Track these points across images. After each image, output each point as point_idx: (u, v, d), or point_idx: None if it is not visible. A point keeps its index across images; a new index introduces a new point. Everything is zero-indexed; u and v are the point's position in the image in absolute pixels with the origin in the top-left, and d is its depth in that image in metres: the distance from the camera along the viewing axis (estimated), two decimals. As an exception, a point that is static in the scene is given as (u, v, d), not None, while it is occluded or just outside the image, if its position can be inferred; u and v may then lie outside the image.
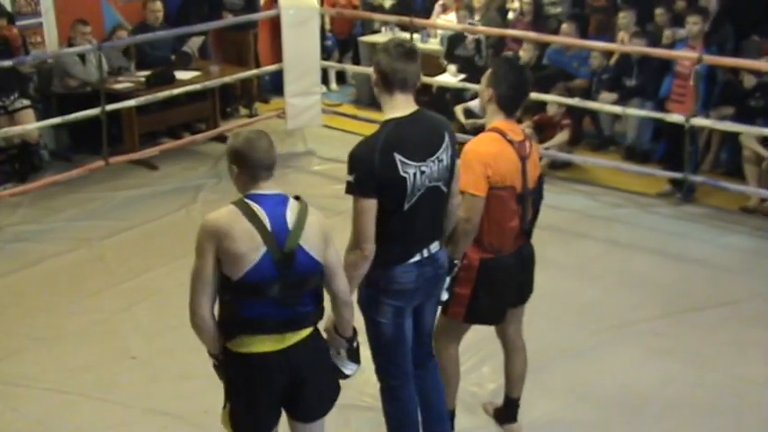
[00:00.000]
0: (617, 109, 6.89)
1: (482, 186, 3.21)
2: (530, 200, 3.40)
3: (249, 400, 2.80)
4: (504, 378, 3.83)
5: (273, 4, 7.79)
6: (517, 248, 3.44)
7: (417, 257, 3.08)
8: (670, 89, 6.51)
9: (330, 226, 2.83)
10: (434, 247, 3.13)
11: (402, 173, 2.93)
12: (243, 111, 8.58)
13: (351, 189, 2.94)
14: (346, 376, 2.99)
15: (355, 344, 2.99)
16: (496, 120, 3.33)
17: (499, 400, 3.92)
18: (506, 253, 3.40)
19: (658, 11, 7.36)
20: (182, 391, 4.12)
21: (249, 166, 2.70)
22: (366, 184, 2.91)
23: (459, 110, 7.56)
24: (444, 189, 3.08)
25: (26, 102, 6.67)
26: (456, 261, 3.30)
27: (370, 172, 2.90)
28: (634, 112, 6.82)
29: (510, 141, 3.28)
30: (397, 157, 2.91)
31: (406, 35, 7.74)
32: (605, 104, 7.03)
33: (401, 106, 3.01)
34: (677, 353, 4.50)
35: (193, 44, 7.82)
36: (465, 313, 3.45)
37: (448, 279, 3.30)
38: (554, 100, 6.98)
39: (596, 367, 4.37)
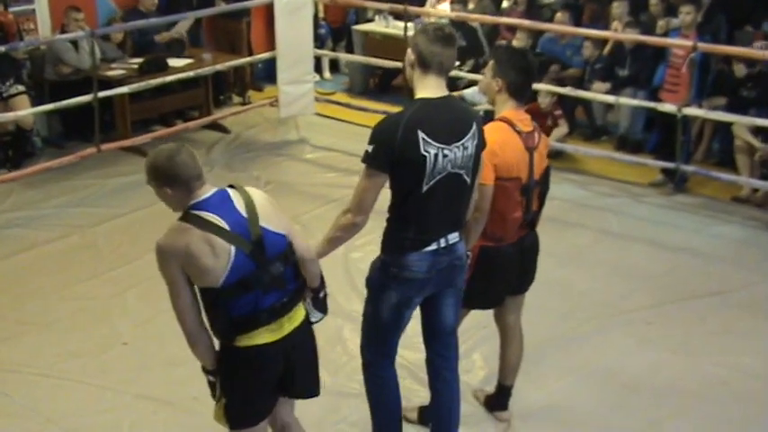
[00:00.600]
0: (610, 98, 6.90)
1: (489, 175, 3.20)
2: (535, 191, 3.40)
3: (247, 393, 2.78)
4: (497, 365, 3.84)
5: (267, -8, 7.75)
6: (519, 238, 3.44)
7: (434, 246, 3.03)
8: (663, 78, 6.52)
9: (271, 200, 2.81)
10: (453, 237, 3.08)
11: (423, 151, 2.88)
12: (236, 98, 8.56)
13: (366, 158, 2.92)
14: (311, 323, 2.98)
15: (322, 294, 2.98)
16: (506, 109, 3.32)
17: (489, 388, 3.93)
18: (508, 242, 3.40)
19: (652, 0, 7.36)
20: (172, 377, 4.13)
21: (181, 182, 2.64)
22: (381, 158, 2.90)
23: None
24: (467, 179, 3.04)
25: (21, 88, 6.64)
26: (468, 252, 3.27)
27: (389, 146, 2.88)
28: (627, 101, 6.83)
29: (518, 132, 3.28)
30: (420, 134, 2.88)
31: (400, 23, 7.73)
32: (598, 94, 7.03)
33: (433, 88, 2.99)
34: (668, 342, 4.52)
35: (181, 27, 7.76)
36: (462, 297, 3.43)
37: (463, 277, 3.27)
38: (547, 89, 6.97)
39: (587, 356, 4.39)
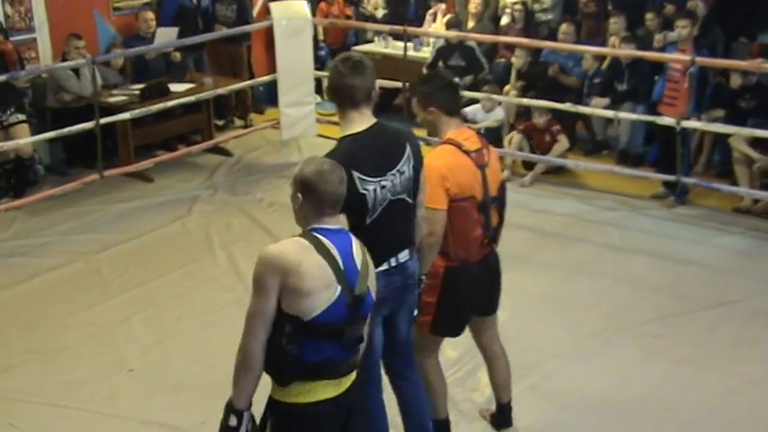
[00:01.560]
0: (609, 113, 6.92)
1: (442, 200, 3.22)
2: (492, 208, 3.41)
3: None
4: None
5: (267, 16, 7.82)
6: (482, 257, 3.46)
7: (385, 266, 3.05)
8: (662, 92, 6.55)
9: None
10: (403, 256, 3.11)
11: (362, 190, 2.91)
12: (238, 122, 8.61)
13: None
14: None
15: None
16: (449, 130, 3.33)
17: (494, 406, 3.93)
18: (472, 261, 3.42)
19: (649, 15, 7.40)
20: (179, 402, 4.12)
21: (315, 198, 2.52)
22: None
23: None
24: (409, 200, 3.07)
25: (21, 116, 6.68)
26: (423, 276, 3.30)
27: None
28: (626, 115, 6.85)
29: (465, 151, 3.29)
30: (356, 174, 2.88)
31: (400, 43, 7.77)
32: (597, 109, 7.05)
33: (356, 121, 2.99)
34: (674, 354, 4.52)
35: (174, 57, 7.79)
36: (431, 322, 3.44)
37: (416, 293, 3.30)
38: (546, 105, 7.00)
39: (593, 370, 4.38)
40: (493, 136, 7.36)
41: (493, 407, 3.94)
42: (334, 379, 2.56)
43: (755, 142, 6.29)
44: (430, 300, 3.40)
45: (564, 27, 7.62)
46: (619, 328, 4.76)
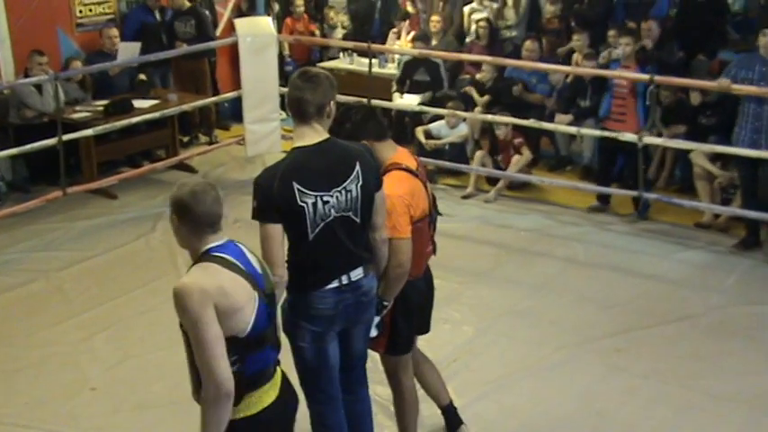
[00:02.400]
0: (572, 129, 7.01)
1: (407, 229, 3.25)
2: (434, 220, 3.50)
3: None
4: (471, 396, 3.94)
5: (232, 32, 7.82)
6: (423, 272, 3.51)
7: (335, 284, 3.07)
8: (609, 109, 6.67)
9: None
10: (356, 274, 3.11)
11: (300, 202, 2.93)
12: (202, 138, 8.57)
13: (254, 214, 2.95)
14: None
15: None
16: (389, 154, 3.34)
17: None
18: (419, 277, 3.47)
19: (611, 32, 7.50)
20: (142, 421, 4.08)
21: (191, 219, 2.52)
22: (267, 210, 2.92)
23: (419, 131, 7.66)
24: (356, 219, 3.06)
25: None
26: (386, 302, 3.31)
27: (270, 198, 2.91)
28: (589, 132, 6.94)
29: (413, 172, 3.33)
30: (296, 185, 2.91)
31: (365, 60, 7.81)
32: (560, 125, 7.14)
33: (307, 135, 3.02)
34: (638, 368, 4.56)
35: (139, 80, 7.73)
36: (386, 343, 3.46)
37: (377, 318, 3.31)
38: (510, 121, 7.07)
39: (558, 384, 4.41)
40: (457, 151, 7.43)
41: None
42: (271, 380, 2.63)
43: (716, 158, 6.41)
44: (384, 320, 3.40)
45: (528, 44, 7.72)
46: (582, 342, 4.81)
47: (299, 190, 2.92)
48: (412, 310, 3.46)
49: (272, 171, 2.98)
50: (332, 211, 2.99)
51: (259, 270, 2.60)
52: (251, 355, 2.52)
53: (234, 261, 2.52)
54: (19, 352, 4.71)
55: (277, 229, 2.93)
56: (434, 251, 3.56)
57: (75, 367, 4.57)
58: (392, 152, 3.35)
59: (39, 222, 6.46)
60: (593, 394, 4.33)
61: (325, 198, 2.97)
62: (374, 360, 4.59)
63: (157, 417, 4.07)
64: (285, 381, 2.74)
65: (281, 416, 2.68)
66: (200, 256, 2.53)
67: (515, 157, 7.11)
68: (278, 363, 2.70)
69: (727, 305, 5.26)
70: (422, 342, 4.62)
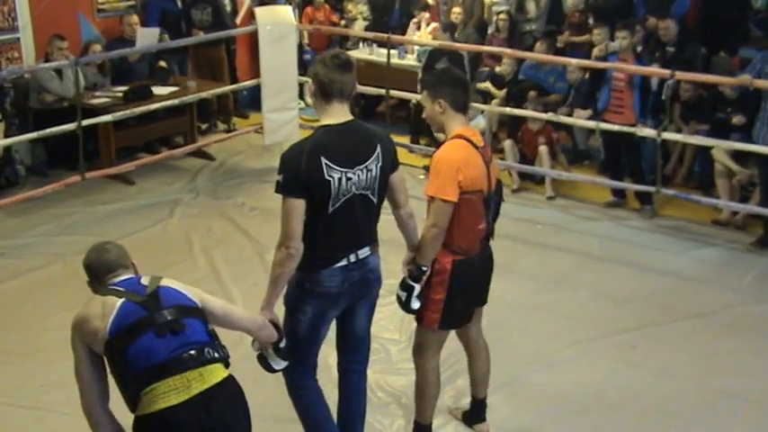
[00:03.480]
0: (590, 124, 6.97)
1: (454, 192, 3.28)
2: (493, 202, 3.51)
3: None
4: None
5: (252, 20, 7.83)
6: (481, 250, 3.52)
7: (344, 262, 3.17)
8: (608, 101, 6.64)
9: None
10: (364, 252, 3.22)
11: (327, 176, 3.03)
12: (221, 126, 8.60)
13: (279, 188, 3.05)
14: (275, 370, 3.21)
15: (281, 344, 3.12)
16: (457, 126, 3.41)
17: (464, 404, 3.99)
18: (473, 254, 3.48)
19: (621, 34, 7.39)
20: (156, 405, 4.09)
21: (96, 277, 2.82)
22: (293, 185, 3.02)
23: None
24: (373, 198, 3.18)
25: None
26: (424, 267, 3.36)
27: (296, 173, 3.01)
28: (607, 126, 6.89)
29: (476, 147, 3.37)
30: (323, 160, 3.02)
31: (384, 50, 7.80)
32: (578, 119, 7.11)
33: (336, 114, 3.12)
34: (652, 364, 4.55)
35: (160, 66, 7.74)
36: (440, 319, 3.48)
37: (417, 287, 3.36)
38: (529, 115, 7.05)
39: (572, 378, 4.41)
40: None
41: (462, 405, 3.99)
42: (175, 377, 2.56)
43: (736, 155, 6.35)
44: (438, 296, 3.43)
45: (537, 46, 7.73)
46: (596, 337, 4.79)
47: (326, 165, 3.02)
48: (467, 286, 3.48)
49: (299, 146, 3.08)
50: (353, 187, 3.09)
51: (145, 283, 2.73)
52: (126, 350, 2.57)
53: (114, 288, 2.72)
54: (35, 335, 4.75)
55: (299, 204, 3.02)
56: (491, 235, 3.57)
57: (91, 351, 4.60)
58: (460, 125, 3.41)
59: (57, 206, 6.51)
60: (607, 389, 4.32)
61: (348, 175, 3.07)
62: (387, 351, 4.62)
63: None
64: (217, 394, 2.60)
65: (185, 424, 2.54)
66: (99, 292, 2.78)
67: (543, 148, 7.06)
68: (196, 359, 2.60)
69: (743, 303, 5.23)
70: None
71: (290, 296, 3.26)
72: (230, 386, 2.67)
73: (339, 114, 3.12)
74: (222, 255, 5.73)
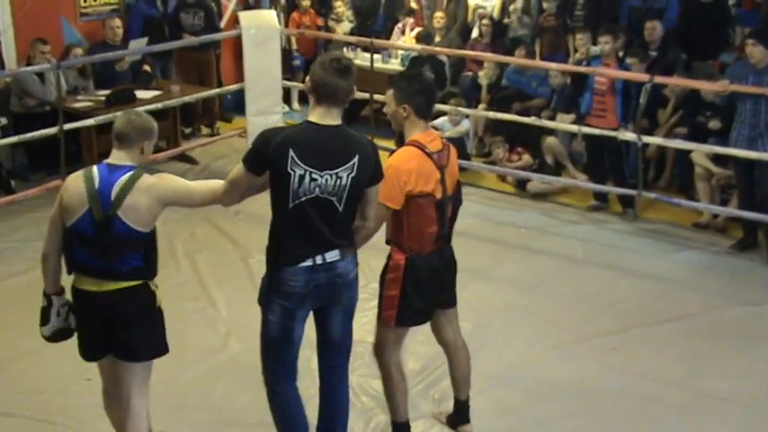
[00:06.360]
0: (573, 128, 7.01)
1: (398, 201, 3.36)
2: (449, 206, 3.53)
3: (80, 328, 3.34)
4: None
5: (236, 24, 7.82)
6: (438, 249, 3.55)
7: (308, 262, 3.18)
8: (590, 105, 6.68)
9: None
10: (332, 255, 3.22)
11: (289, 168, 3.06)
12: (205, 130, 8.58)
13: (243, 156, 3.18)
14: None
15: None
16: (416, 132, 3.45)
17: (447, 406, 3.99)
18: (427, 253, 3.51)
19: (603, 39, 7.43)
20: (138, 411, 4.07)
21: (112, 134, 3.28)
22: (253, 159, 3.13)
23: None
24: (338, 206, 3.16)
25: None
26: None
27: (263, 152, 3.09)
28: (590, 130, 6.93)
29: (429, 153, 3.41)
30: (291, 152, 3.06)
31: (368, 55, 7.81)
32: (561, 123, 7.15)
33: (321, 115, 3.14)
34: (633, 367, 4.57)
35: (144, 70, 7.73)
36: (396, 315, 3.51)
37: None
38: (512, 119, 7.09)
39: (554, 382, 4.42)
40: (456, 146, 7.42)
41: (446, 409, 3.99)
42: (93, 278, 3.19)
43: (715, 158, 6.41)
44: (392, 293, 3.49)
45: (517, 53, 7.75)
46: (578, 340, 4.82)
47: (292, 157, 3.06)
48: (422, 283, 3.51)
49: (276, 131, 3.16)
50: (317, 189, 3.10)
51: (112, 198, 3.12)
52: (72, 244, 3.19)
53: (93, 176, 3.17)
54: (16, 341, 4.71)
55: (249, 177, 3.15)
56: (446, 238, 3.58)
57: (71, 357, 4.50)
58: (419, 131, 3.45)
59: (38, 211, 6.42)
60: (589, 392, 4.34)
61: (314, 175, 3.09)
62: (371, 355, 4.61)
63: (155, 407, 4.05)
64: (119, 297, 3.19)
65: (87, 307, 3.25)
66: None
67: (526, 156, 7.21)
68: (112, 277, 3.18)
69: (723, 306, 5.27)
70: (422, 337, 4.67)
71: (262, 296, 3.31)
72: (135, 292, 3.25)
73: (325, 117, 3.14)
74: (205, 259, 5.71)
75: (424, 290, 3.53)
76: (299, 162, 3.06)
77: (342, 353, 3.46)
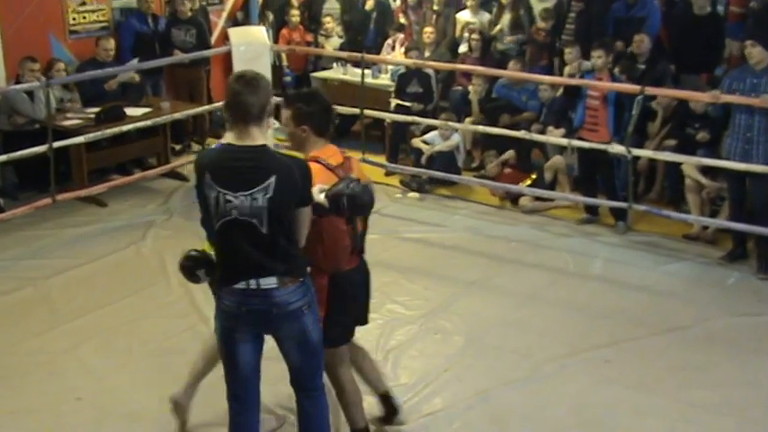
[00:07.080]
0: (563, 141, 7.03)
1: None
2: (359, 217, 3.51)
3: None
4: (463, 405, 3.97)
5: (225, 41, 7.83)
6: (355, 266, 3.56)
7: (242, 285, 3.15)
8: (583, 119, 6.70)
9: None
10: (268, 283, 3.13)
11: (206, 191, 3.11)
12: (195, 146, 8.57)
13: None
14: None
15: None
16: (316, 149, 3.45)
17: (375, 412, 4.00)
18: (347, 269, 3.52)
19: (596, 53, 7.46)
20: None
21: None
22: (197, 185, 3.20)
23: (417, 141, 7.74)
24: (261, 228, 3.07)
25: None
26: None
27: (196, 177, 3.18)
28: (580, 144, 6.95)
29: (331, 168, 3.41)
30: (207, 176, 3.10)
31: (358, 70, 7.82)
32: (551, 137, 7.17)
33: (239, 135, 3.11)
34: (626, 379, 4.56)
35: (126, 74, 7.71)
36: (326, 338, 3.44)
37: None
38: (502, 133, 7.11)
39: (547, 395, 4.41)
40: (447, 161, 7.47)
41: (374, 414, 3.98)
42: None
43: (705, 170, 6.43)
44: (322, 315, 3.44)
45: (511, 65, 7.80)
46: (571, 353, 4.81)
47: (207, 181, 3.10)
48: (346, 300, 3.53)
49: (203, 154, 3.30)
50: (234, 211, 3.08)
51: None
52: None
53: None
54: (4, 360, 4.67)
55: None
56: (359, 250, 3.56)
57: (62, 377, 4.54)
58: (318, 148, 3.45)
59: (27, 230, 6.43)
60: (582, 405, 4.33)
61: (228, 197, 3.07)
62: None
63: (143, 428, 4.04)
64: None
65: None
66: None
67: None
68: None
69: (714, 317, 5.27)
70: (415, 352, 4.66)
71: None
72: None
73: (243, 136, 3.09)
74: (196, 276, 5.67)
75: (349, 307, 3.56)
76: (212, 184, 3.07)
77: (307, 378, 3.38)
